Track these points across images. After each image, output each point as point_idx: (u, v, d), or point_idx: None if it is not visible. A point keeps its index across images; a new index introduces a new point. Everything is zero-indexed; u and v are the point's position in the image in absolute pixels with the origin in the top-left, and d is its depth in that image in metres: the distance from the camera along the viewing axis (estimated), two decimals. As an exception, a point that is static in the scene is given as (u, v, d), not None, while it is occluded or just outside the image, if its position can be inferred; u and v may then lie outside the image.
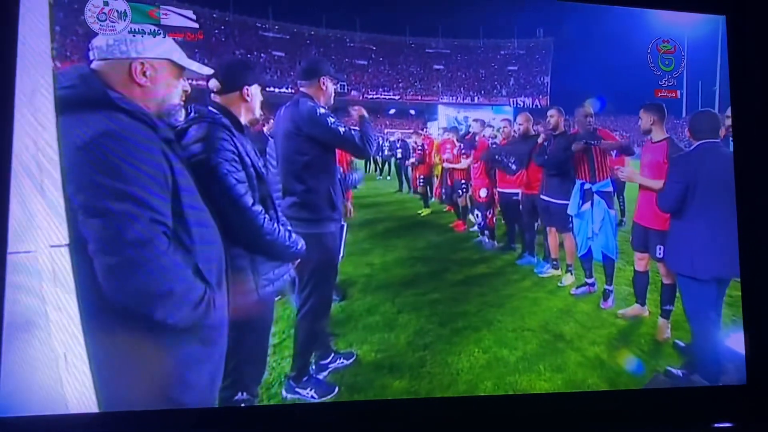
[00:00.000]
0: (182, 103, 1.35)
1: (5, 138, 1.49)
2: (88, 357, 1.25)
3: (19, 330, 1.43)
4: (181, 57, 1.32)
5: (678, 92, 2.60)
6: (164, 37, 1.35)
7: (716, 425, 1.84)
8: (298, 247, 1.68)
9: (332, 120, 2.01)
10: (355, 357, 2.35)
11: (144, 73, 1.22)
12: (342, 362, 2.30)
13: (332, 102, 2.15)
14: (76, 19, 1.78)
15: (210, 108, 1.57)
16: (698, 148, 2.22)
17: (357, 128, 2.11)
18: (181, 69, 1.32)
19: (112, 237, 1.05)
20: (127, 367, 1.19)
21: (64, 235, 1.36)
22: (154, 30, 1.77)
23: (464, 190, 4.03)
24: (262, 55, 6.41)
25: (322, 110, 2.03)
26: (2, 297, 1.47)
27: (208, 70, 1.46)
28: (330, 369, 2.25)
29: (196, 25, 2.18)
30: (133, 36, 1.27)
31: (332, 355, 2.30)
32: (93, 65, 1.23)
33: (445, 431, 1.83)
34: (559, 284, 3.17)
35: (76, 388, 1.38)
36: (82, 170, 1.06)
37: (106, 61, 1.22)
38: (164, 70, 1.27)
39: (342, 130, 2.02)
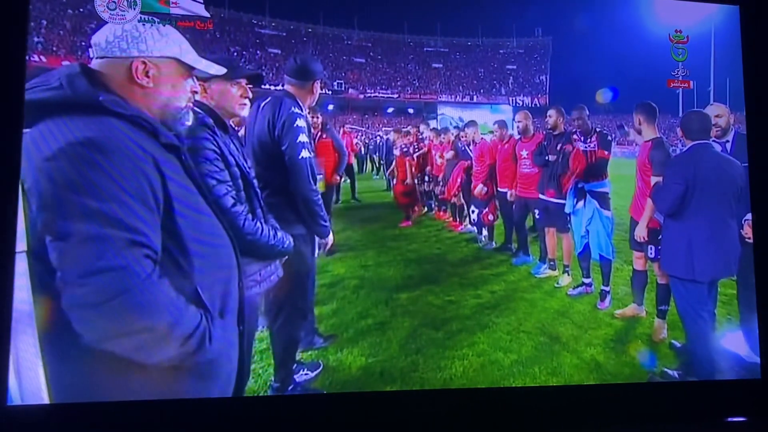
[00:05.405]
0: (190, 105, 1.23)
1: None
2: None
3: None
4: (187, 55, 1.19)
5: (691, 82, 2.56)
6: (173, 27, 1.22)
7: (730, 420, 1.80)
8: (285, 245, 1.64)
9: (302, 139, 1.88)
10: (321, 367, 2.22)
11: (146, 73, 1.11)
12: (306, 374, 2.16)
13: (314, 104, 2.06)
14: (64, 13, 1.74)
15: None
16: (693, 149, 2.19)
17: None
18: (189, 68, 1.21)
19: (78, 263, 0.91)
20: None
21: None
22: (165, 19, 1.70)
23: (459, 189, 3.99)
24: (258, 52, 6.36)
25: (301, 122, 1.90)
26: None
27: (219, 70, 1.31)
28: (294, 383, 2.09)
29: (207, 14, 2.13)
30: (137, 32, 1.12)
31: (294, 366, 2.11)
32: (92, 64, 1.12)
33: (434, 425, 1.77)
34: (555, 285, 3.13)
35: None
36: (47, 184, 0.93)
37: (105, 60, 1.11)
38: (169, 70, 1.16)
39: (302, 155, 1.88)
